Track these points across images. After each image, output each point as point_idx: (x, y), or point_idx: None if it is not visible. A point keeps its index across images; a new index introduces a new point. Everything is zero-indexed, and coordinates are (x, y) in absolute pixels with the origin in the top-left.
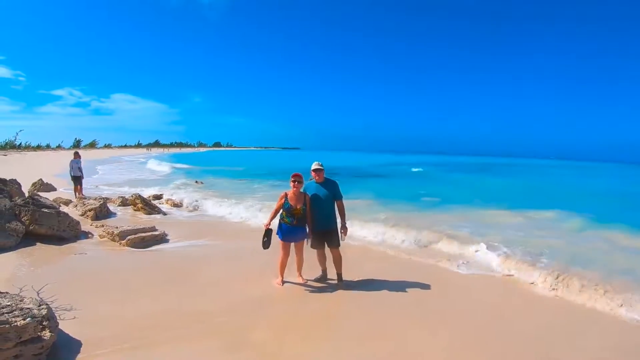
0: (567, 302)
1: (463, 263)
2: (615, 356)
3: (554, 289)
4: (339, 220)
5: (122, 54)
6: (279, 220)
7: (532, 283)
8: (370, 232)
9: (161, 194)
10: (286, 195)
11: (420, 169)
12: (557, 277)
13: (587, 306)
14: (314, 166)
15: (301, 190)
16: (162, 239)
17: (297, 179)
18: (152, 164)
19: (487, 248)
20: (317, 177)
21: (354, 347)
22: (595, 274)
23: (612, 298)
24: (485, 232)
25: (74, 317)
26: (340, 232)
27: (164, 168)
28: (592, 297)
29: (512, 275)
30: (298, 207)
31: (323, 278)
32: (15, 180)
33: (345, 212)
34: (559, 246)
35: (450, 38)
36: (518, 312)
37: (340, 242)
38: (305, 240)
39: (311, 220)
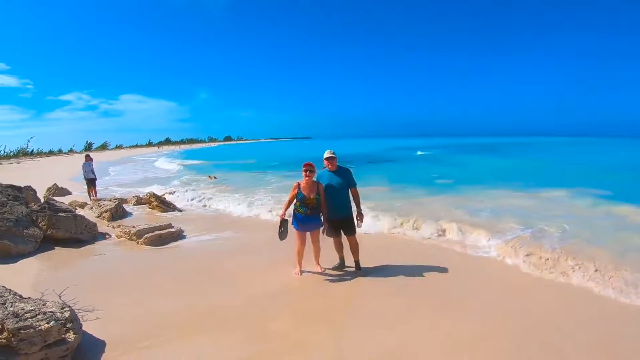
0: (580, 288)
1: (479, 248)
2: (620, 342)
3: (565, 274)
4: (354, 207)
5: (128, 55)
6: (294, 210)
7: (545, 269)
8: (386, 219)
9: (174, 191)
10: (299, 185)
11: (428, 152)
12: (570, 261)
13: (596, 292)
14: (327, 154)
15: (314, 179)
16: (178, 235)
17: (309, 168)
18: (164, 162)
19: (503, 232)
20: (330, 166)
21: (374, 335)
22: (609, 257)
23: (624, 284)
24: (500, 215)
25: (97, 318)
26: (356, 219)
27: (176, 165)
28: (603, 282)
29: (528, 259)
30: (311, 196)
31: (341, 266)
32: (30, 186)
33: (360, 199)
34: (573, 229)
35: (451, 21)
36: (534, 298)
37: (357, 229)
38: (321, 229)
39: (326, 208)
